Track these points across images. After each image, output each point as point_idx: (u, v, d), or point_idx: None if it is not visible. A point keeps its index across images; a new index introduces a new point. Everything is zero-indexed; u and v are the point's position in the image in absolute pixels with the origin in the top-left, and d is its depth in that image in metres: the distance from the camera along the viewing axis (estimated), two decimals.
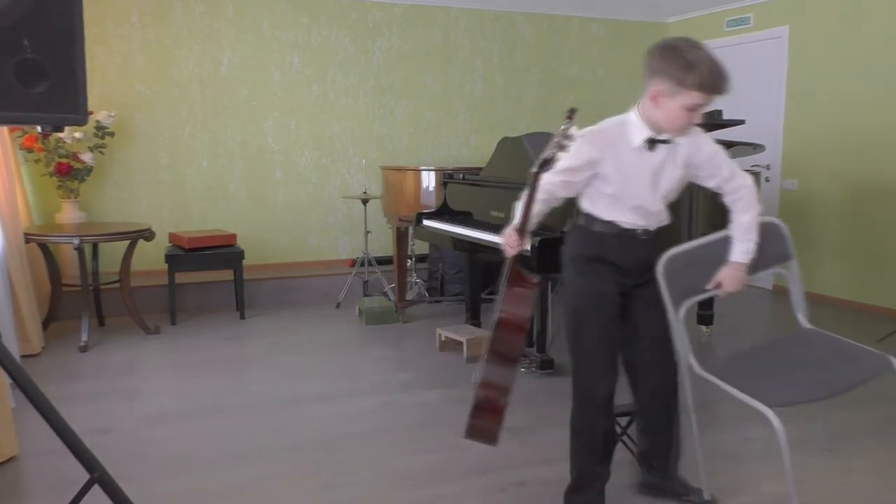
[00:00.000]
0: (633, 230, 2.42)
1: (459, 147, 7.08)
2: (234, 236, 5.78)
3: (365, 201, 5.97)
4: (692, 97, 2.18)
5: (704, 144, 2.41)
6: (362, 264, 6.09)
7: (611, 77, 7.60)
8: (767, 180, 6.39)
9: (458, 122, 7.11)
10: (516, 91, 7.30)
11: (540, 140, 4.40)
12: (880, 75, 5.62)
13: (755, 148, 4.68)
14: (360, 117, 6.76)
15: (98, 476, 1.98)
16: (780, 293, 6.16)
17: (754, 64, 6.64)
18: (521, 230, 2.25)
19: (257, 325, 5.46)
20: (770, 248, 2.56)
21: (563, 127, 2.15)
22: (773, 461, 3.01)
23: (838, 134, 5.98)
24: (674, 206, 2.49)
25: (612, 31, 7.61)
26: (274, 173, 6.53)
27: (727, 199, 2.50)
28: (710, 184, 2.48)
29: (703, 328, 4.98)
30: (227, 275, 5.70)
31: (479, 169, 4.92)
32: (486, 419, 2.33)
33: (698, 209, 3.78)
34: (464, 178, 4.82)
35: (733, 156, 2.95)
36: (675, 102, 2.20)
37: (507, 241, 2.30)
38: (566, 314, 2.48)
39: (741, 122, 4.69)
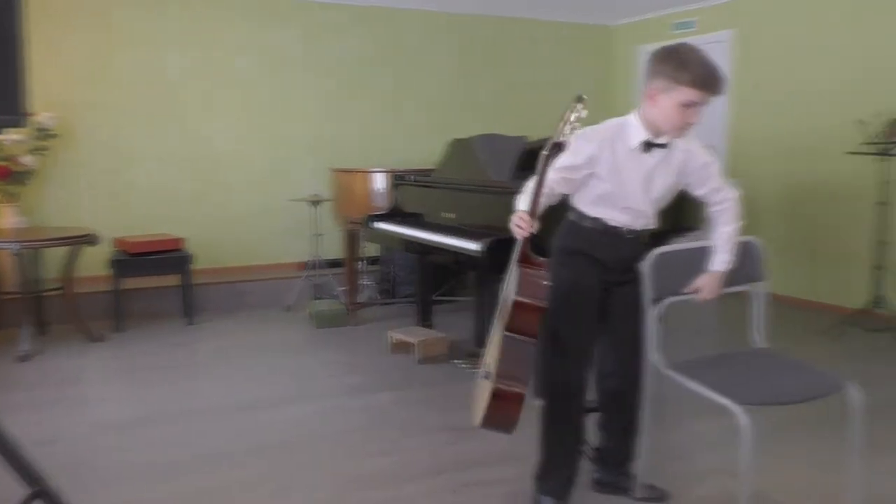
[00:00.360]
0: (619, 228, 2.48)
1: (411, 149, 7.07)
2: (181, 240, 5.68)
3: (315, 203, 5.92)
4: (686, 93, 2.24)
5: (699, 154, 2.50)
6: (313, 267, 6.05)
7: (559, 79, 7.65)
8: None
9: (410, 123, 7.11)
10: (469, 93, 7.33)
11: (490, 141, 4.42)
12: (822, 77, 5.79)
13: None
14: (311, 119, 6.71)
15: (40, 490, 1.93)
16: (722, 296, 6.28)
17: None
18: (532, 213, 2.27)
19: (206, 331, 5.37)
20: (745, 266, 2.63)
21: (572, 110, 2.15)
22: (721, 455, 3.08)
23: (780, 136, 6.15)
24: None
25: (559, 33, 7.69)
26: (224, 176, 6.43)
27: (712, 210, 2.58)
28: (698, 192, 2.56)
29: None
30: (176, 280, 5.59)
31: (431, 171, 4.92)
32: (502, 407, 2.27)
33: None
34: (414, 180, 4.82)
35: None
36: (671, 99, 2.27)
37: (517, 222, 2.27)
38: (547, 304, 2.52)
39: None
